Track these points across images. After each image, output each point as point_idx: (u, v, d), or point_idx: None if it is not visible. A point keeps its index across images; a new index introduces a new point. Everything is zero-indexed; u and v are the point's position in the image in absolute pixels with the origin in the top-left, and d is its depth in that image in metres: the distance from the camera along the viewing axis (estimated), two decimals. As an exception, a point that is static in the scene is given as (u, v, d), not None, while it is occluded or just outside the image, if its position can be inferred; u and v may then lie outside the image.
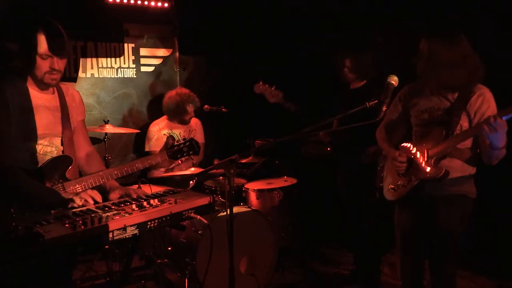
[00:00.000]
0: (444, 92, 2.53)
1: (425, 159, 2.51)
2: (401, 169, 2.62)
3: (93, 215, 1.95)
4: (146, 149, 4.33)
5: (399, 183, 2.66)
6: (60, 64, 2.24)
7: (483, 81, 2.48)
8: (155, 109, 4.64)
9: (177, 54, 4.96)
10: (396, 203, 2.77)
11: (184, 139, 2.74)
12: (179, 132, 4.38)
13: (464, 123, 2.48)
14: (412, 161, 2.58)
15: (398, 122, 2.79)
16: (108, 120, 3.88)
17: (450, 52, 2.41)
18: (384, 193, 2.82)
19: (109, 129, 3.84)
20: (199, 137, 4.50)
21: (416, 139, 2.66)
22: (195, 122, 4.54)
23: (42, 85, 2.29)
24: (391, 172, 2.75)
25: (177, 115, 4.33)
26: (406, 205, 2.70)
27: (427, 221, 2.58)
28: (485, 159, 2.45)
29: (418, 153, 2.55)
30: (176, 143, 2.74)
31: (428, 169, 2.48)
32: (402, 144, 2.66)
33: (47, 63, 2.20)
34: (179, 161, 2.78)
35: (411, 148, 2.59)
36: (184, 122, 4.39)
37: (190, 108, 4.30)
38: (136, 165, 2.51)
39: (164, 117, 4.43)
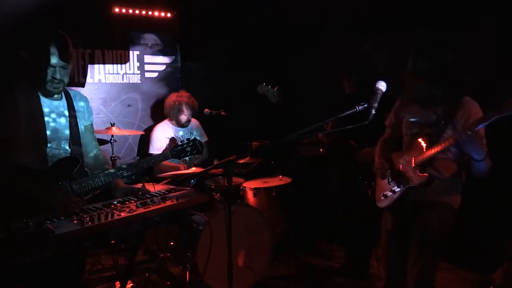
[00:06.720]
0: (434, 106, 2.43)
1: (411, 167, 2.46)
2: (384, 176, 2.58)
3: (99, 212, 1.96)
4: (150, 152, 4.31)
5: (388, 190, 2.60)
6: (62, 74, 2.24)
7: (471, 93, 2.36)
8: (158, 112, 4.64)
9: (180, 60, 4.96)
10: (384, 209, 2.70)
11: (187, 139, 2.72)
12: (181, 135, 4.37)
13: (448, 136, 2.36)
14: (399, 170, 2.54)
15: (395, 135, 2.70)
16: (114, 123, 3.88)
17: (426, 66, 2.32)
18: (376, 202, 2.73)
19: (115, 131, 3.84)
20: (201, 136, 4.50)
21: (404, 148, 2.61)
22: (194, 123, 4.53)
23: (47, 92, 2.29)
24: (382, 182, 2.68)
25: (173, 115, 4.29)
26: (391, 211, 2.64)
27: (410, 225, 2.51)
28: (473, 173, 2.31)
29: (404, 162, 2.52)
30: (179, 143, 2.71)
31: (413, 176, 2.44)
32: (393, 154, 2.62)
33: (49, 72, 2.20)
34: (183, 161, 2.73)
35: (399, 158, 2.55)
36: (182, 125, 4.35)
37: (186, 110, 4.25)
38: (140, 164, 2.51)
39: (166, 120, 4.42)
